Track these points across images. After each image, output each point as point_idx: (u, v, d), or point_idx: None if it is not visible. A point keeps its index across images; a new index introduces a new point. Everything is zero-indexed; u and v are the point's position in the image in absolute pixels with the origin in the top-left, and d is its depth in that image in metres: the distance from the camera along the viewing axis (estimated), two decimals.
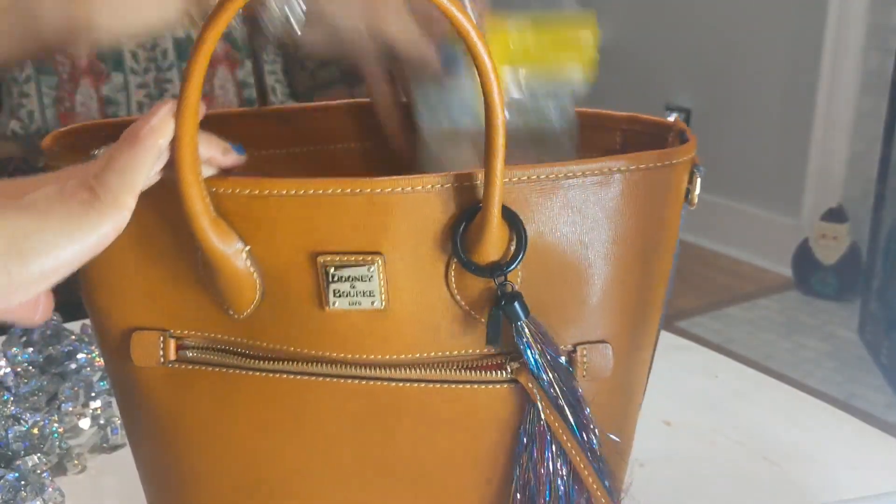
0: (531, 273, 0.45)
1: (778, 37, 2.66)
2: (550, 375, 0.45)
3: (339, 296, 0.43)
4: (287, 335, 0.45)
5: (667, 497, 0.62)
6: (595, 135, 0.55)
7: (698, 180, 0.47)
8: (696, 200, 0.48)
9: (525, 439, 0.47)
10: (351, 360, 0.45)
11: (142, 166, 0.38)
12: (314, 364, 0.45)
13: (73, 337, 0.78)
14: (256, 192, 0.42)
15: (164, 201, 0.42)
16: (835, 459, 0.67)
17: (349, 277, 0.43)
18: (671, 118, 0.51)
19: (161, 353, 0.47)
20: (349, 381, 0.46)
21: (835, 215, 2.49)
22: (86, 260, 0.38)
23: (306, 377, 0.46)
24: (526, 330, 0.44)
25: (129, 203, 0.38)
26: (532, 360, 0.45)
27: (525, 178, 0.44)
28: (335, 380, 0.46)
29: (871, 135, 2.40)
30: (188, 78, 0.39)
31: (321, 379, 0.46)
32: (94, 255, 0.38)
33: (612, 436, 0.48)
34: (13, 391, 0.72)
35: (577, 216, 0.45)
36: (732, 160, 2.73)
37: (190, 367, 0.47)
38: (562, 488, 0.47)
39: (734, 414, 0.73)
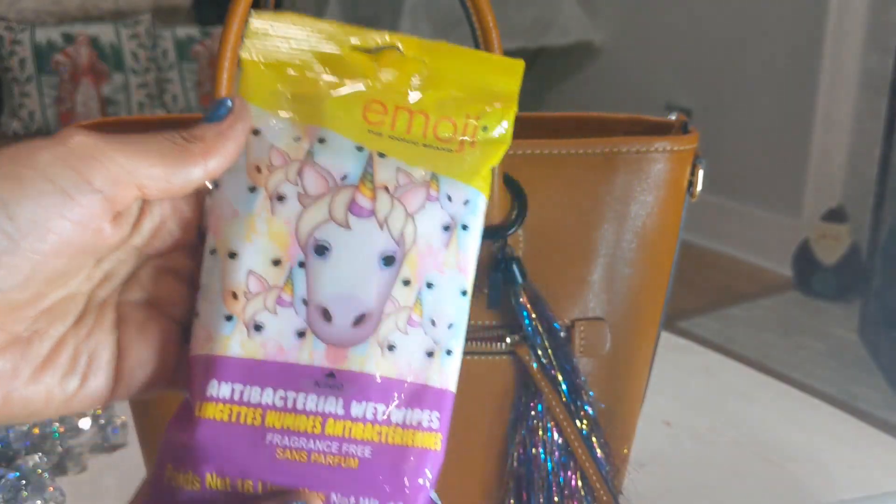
0: (533, 249, 0.46)
1: (778, 37, 2.66)
2: (546, 341, 0.46)
3: None
4: None
5: (667, 497, 0.62)
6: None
7: (700, 172, 0.48)
8: (697, 193, 0.49)
9: (521, 409, 0.48)
10: None
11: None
12: None
13: None
14: None
15: None
16: (835, 459, 0.67)
17: None
18: (672, 118, 0.51)
19: None
20: None
21: (835, 215, 2.49)
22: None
23: None
24: (523, 293, 0.46)
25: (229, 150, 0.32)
26: (527, 322, 0.46)
27: (528, 153, 0.45)
28: None
29: (871, 135, 2.40)
30: None
31: None
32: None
33: (602, 405, 0.49)
34: None
35: (579, 195, 0.46)
36: (733, 160, 2.73)
37: None
38: (557, 458, 0.48)
39: (734, 414, 0.73)
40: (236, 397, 0.30)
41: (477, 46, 0.49)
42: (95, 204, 0.29)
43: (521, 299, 0.46)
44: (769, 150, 2.74)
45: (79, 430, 0.69)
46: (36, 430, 0.66)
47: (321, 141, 0.32)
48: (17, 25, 2.67)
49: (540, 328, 0.47)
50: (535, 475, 0.48)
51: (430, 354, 0.32)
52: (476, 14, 0.46)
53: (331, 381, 0.31)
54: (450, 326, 0.33)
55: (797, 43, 2.62)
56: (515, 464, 0.49)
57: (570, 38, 3.14)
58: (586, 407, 0.48)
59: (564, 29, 3.13)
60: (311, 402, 0.31)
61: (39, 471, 0.61)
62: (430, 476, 0.32)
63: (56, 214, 0.28)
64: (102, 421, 0.70)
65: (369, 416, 0.31)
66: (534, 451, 0.48)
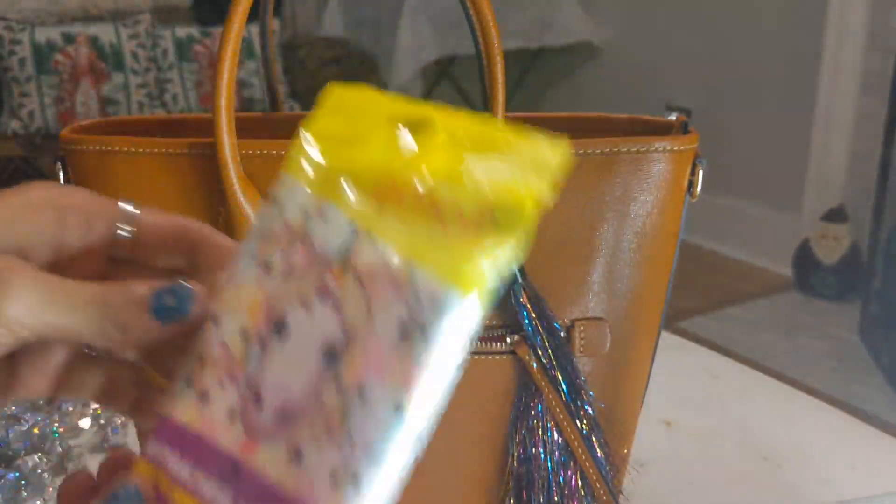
0: (533, 249, 0.46)
1: (778, 37, 2.66)
2: (546, 341, 0.46)
3: None
4: None
5: (667, 497, 0.62)
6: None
7: (700, 172, 0.48)
8: (697, 193, 0.49)
9: (521, 409, 0.48)
10: None
11: None
12: None
13: None
14: (283, 152, 0.45)
15: (180, 172, 0.44)
16: (835, 459, 0.67)
17: None
18: (672, 118, 0.52)
19: None
20: None
21: (835, 215, 2.49)
22: None
23: None
24: (523, 293, 0.46)
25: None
26: (527, 322, 0.46)
27: None
28: None
29: (871, 135, 2.40)
30: None
31: None
32: None
33: (602, 404, 0.49)
34: None
35: (579, 195, 0.46)
36: (733, 160, 2.73)
37: None
38: (557, 458, 0.48)
39: (734, 414, 0.73)
40: (161, 459, 0.29)
41: (477, 46, 0.49)
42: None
43: (521, 299, 0.46)
44: (769, 150, 2.74)
45: (79, 430, 0.69)
46: (36, 430, 0.66)
47: (321, 214, 0.29)
48: (17, 25, 2.67)
49: (540, 328, 0.47)
50: (535, 475, 0.48)
51: (333, 477, 0.27)
52: (476, 14, 0.46)
53: (232, 471, 0.28)
54: (367, 447, 0.27)
55: (797, 43, 2.62)
56: (515, 464, 0.49)
57: (570, 38, 3.14)
58: (586, 407, 0.48)
59: (564, 29, 3.13)
60: (209, 487, 0.28)
61: (39, 471, 0.61)
62: None
63: None
64: (102, 421, 0.70)
65: None
66: (534, 451, 0.48)
